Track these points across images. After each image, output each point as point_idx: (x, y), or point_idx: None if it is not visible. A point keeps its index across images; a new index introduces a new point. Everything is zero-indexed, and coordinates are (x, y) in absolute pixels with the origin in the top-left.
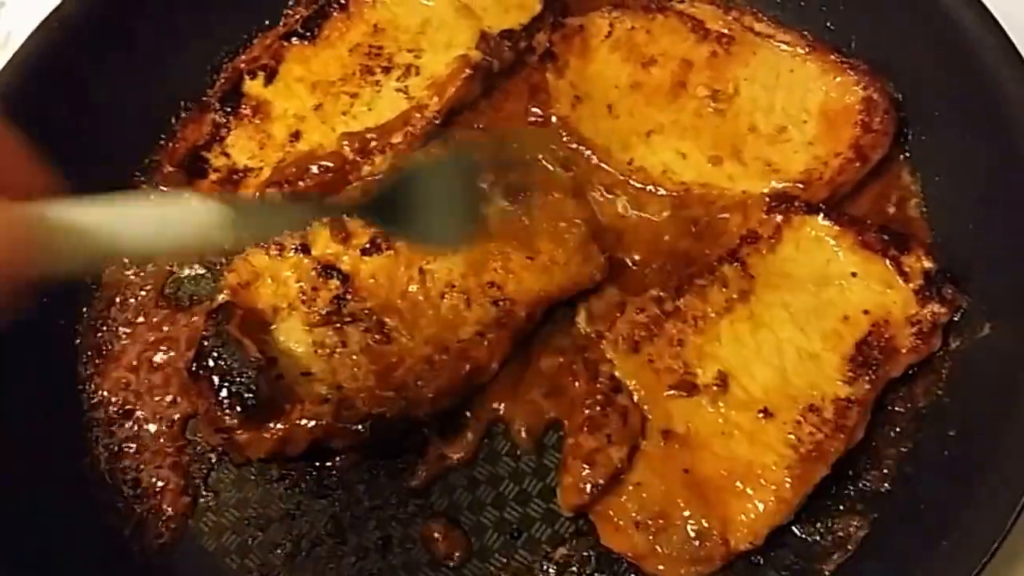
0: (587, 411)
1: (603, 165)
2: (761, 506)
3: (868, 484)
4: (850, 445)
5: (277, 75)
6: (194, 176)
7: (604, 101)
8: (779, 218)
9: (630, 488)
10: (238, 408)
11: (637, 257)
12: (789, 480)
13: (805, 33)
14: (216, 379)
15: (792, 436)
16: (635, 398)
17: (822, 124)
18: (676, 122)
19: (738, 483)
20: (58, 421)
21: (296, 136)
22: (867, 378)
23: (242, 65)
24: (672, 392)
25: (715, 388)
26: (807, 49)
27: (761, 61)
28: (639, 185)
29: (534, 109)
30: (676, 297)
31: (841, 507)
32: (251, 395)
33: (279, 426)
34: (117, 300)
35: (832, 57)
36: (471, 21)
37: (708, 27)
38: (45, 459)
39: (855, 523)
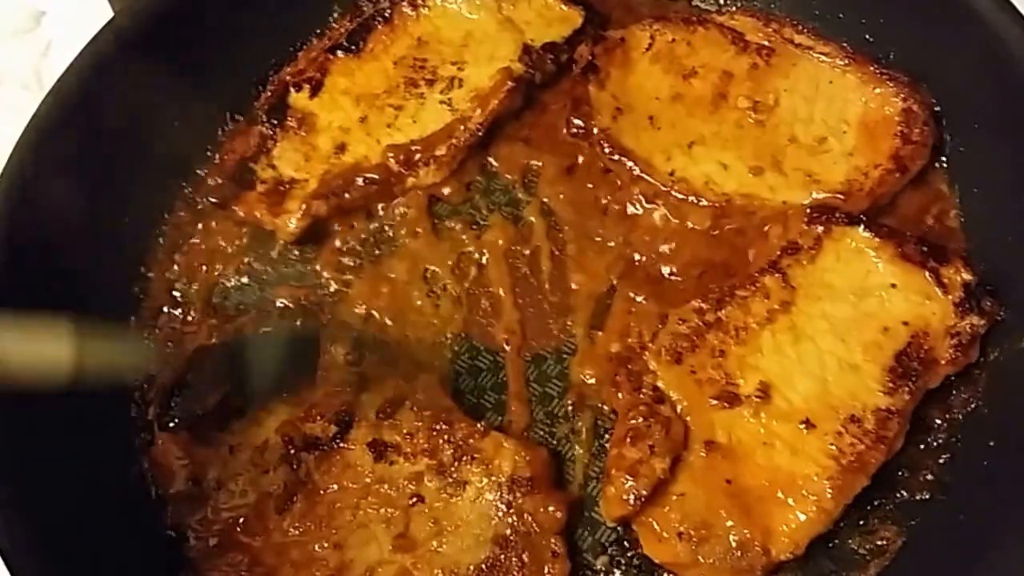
0: (630, 422)
1: (645, 176)
2: (802, 516)
3: (906, 494)
4: (890, 456)
5: (322, 88)
6: (243, 187)
7: (645, 112)
8: (820, 229)
9: (673, 498)
10: None
11: (674, 268)
12: (830, 491)
13: (844, 44)
14: None
15: (833, 447)
16: (678, 409)
17: (862, 135)
18: (717, 133)
19: (780, 493)
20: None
21: (341, 148)
22: (907, 389)
23: (288, 78)
24: (715, 403)
25: (757, 399)
26: (846, 60)
27: (801, 72)
28: (681, 196)
29: (576, 121)
30: (717, 308)
31: (879, 517)
32: None
33: None
34: (165, 309)
35: (871, 68)
36: (513, 34)
37: (748, 39)
38: (96, 469)
39: (893, 533)
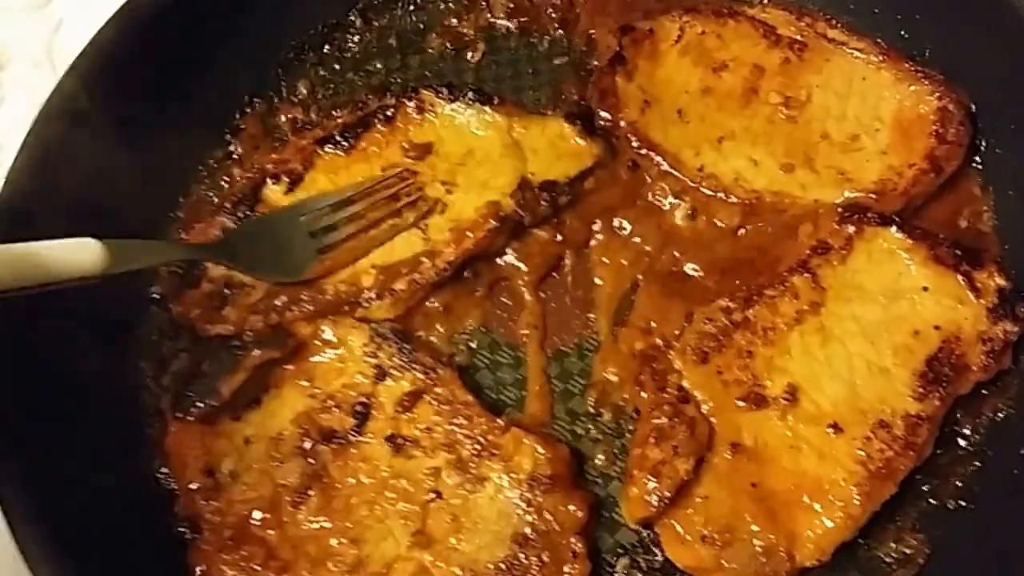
0: (654, 421)
1: (673, 171)
2: (829, 523)
3: (934, 502)
4: (918, 463)
5: (300, 183)
6: (188, 284)
7: (674, 106)
8: (851, 229)
9: (697, 501)
10: None
11: (699, 266)
12: (858, 497)
13: (879, 40)
14: None
15: (862, 452)
16: (703, 409)
17: (895, 133)
18: (748, 129)
19: (806, 498)
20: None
21: None
22: (937, 395)
23: (269, 166)
24: (741, 404)
25: (784, 401)
26: (881, 57)
27: (834, 68)
28: (710, 192)
29: (603, 113)
30: (745, 307)
31: (907, 524)
32: None
33: None
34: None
35: (906, 65)
36: (516, 162)
37: (780, 33)
38: (106, 459)
39: (920, 541)
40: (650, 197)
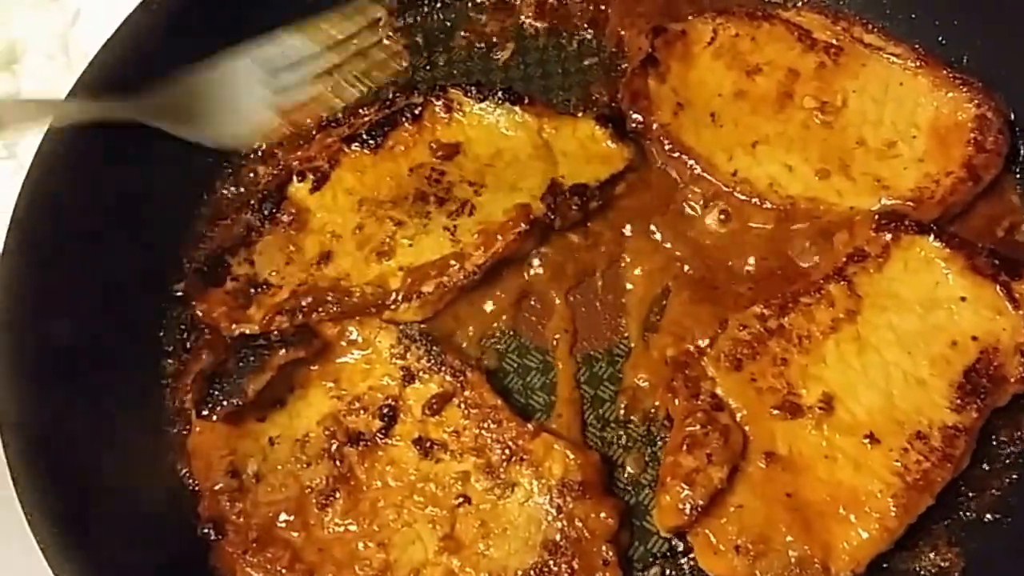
0: (687, 429)
1: (706, 175)
2: (864, 534)
3: (970, 514)
4: (955, 474)
5: (327, 182)
6: (211, 282)
7: (707, 109)
8: (888, 237)
9: (731, 510)
10: None
11: (731, 272)
12: (894, 509)
13: (916, 46)
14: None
15: (899, 464)
16: (737, 417)
17: (932, 140)
18: (782, 133)
19: (841, 509)
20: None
21: (326, 258)
22: (974, 406)
23: (294, 163)
24: (775, 412)
25: (820, 410)
26: (918, 63)
27: (870, 73)
28: (743, 197)
29: (635, 115)
30: (780, 315)
31: (942, 536)
32: None
33: None
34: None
35: (944, 72)
36: (546, 164)
37: (815, 37)
38: (128, 457)
39: (955, 554)
40: (682, 202)
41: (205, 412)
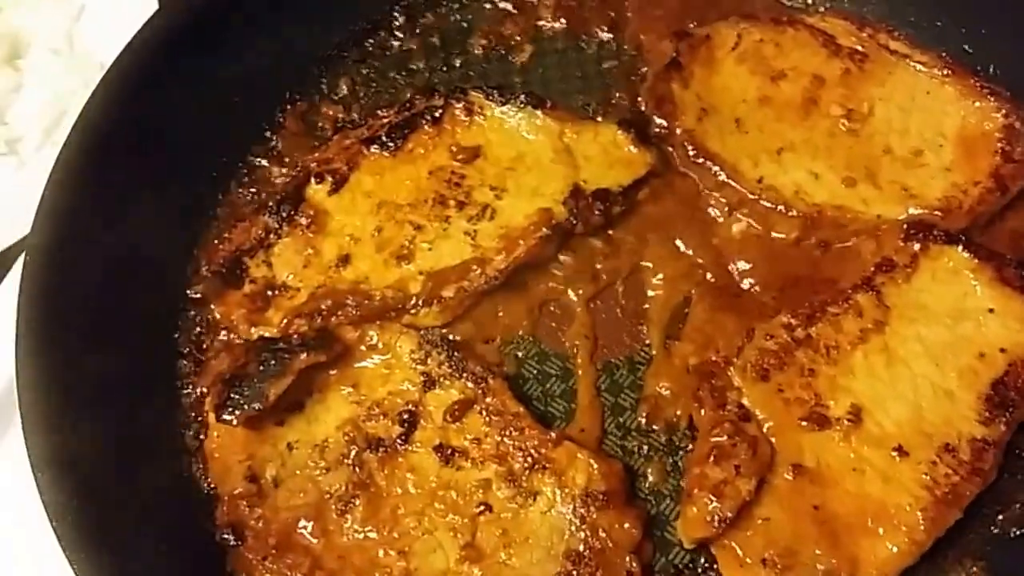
0: (714, 439)
1: (731, 182)
2: (893, 548)
3: (995, 528)
4: (983, 488)
5: (345, 184)
6: (229, 284)
7: (732, 115)
8: (916, 247)
9: (758, 523)
10: None
11: (755, 280)
12: (923, 523)
13: (943, 54)
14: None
15: (927, 477)
16: (764, 428)
17: (959, 150)
18: (808, 140)
19: (870, 522)
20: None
21: (344, 261)
22: (1003, 419)
23: (312, 165)
24: (803, 424)
25: (848, 422)
26: (945, 71)
27: (897, 81)
28: (769, 205)
29: (658, 120)
30: (807, 324)
31: (968, 551)
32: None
33: None
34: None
35: (971, 81)
36: (567, 169)
37: (840, 43)
38: (145, 463)
39: (981, 568)
40: (705, 208)
41: (225, 416)
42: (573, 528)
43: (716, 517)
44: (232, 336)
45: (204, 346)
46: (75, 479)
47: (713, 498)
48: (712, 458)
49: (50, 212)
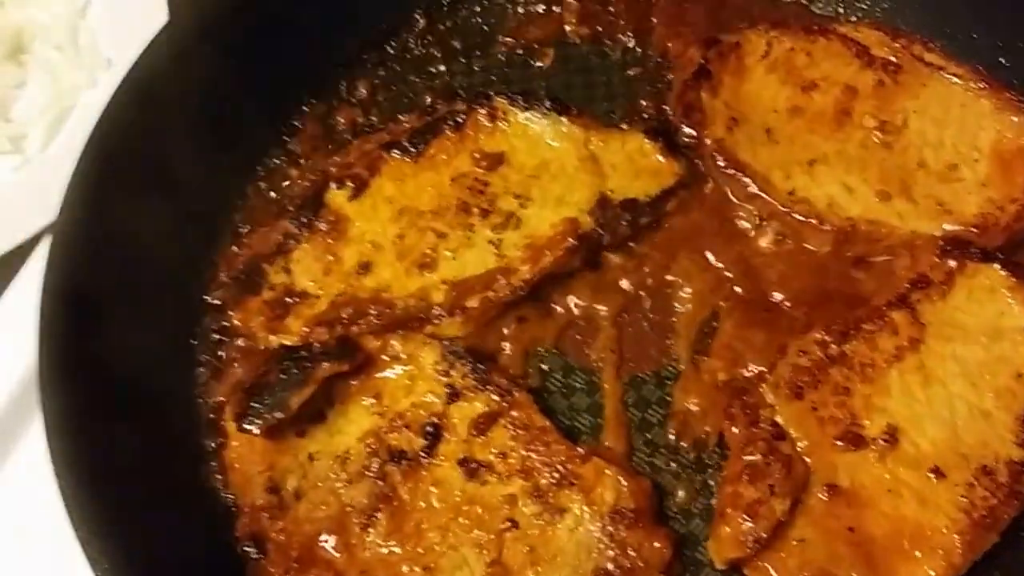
0: (747, 458)
1: (762, 194)
2: (931, 572)
3: None
4: (1020, 511)
5: (366, 189)
6: (248, 290)
7: (762, 125)
8: (952, 264)
9: (792, 544)
10: None
11: (785, 295)
12: (960, 546)
13: (978, 67)
14: None
15: (964, 499)
16: (798, 447)
17: (995, 165)
18: (841, 152)
19: (906, 545)
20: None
21: (366, 268)
22: None
23: (332, 169)
24: (838, 444)
25: (884, 442)
26: (981, 84)
27: (931, 93)
28: (801, 218)
29: (687, 129)
30: (841, 341)
31: (1000, 573)
32: None
33: None
34: (226, 324)
35: (1007, 95)
36: (593, 178)
37: (873, 53)
38: (165, 474)
39: None
40: (734, 220)
41: (247, 425)
42: (602, 546)
43: (750, 537)
44: (250, 344)
45: (222, 354)
46: (97, 487)
47: (747, 518)
48: (746, 477)
49: (68, 218)
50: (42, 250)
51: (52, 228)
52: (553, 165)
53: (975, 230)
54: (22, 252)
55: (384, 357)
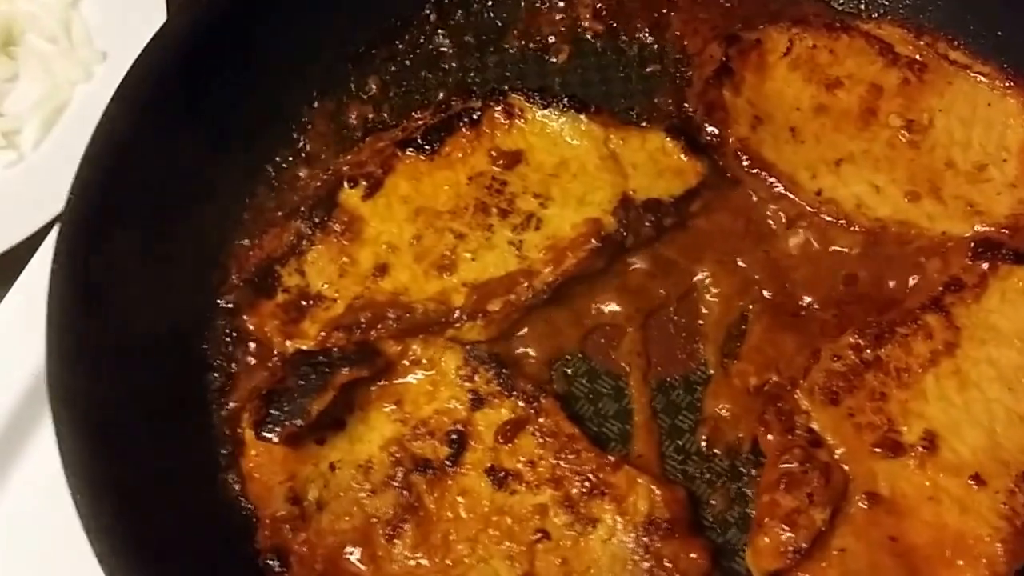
0: (783, 466)
1: (788, 194)
2: None
3: None
4: None
5: (380, 188)
6: (261, 293)
7: (786, 124)
8: (985, 266)
9: (833, 554)
10: None
11: (814, 298)
12: (1003, 555)
13: (1004, 65)
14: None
15: (1006, 506)
16: (836, 454)
17: None
18: (867, 152)
19: (948, 554)
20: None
21: (382, 270)
22: None
23: (345, 168)
24: (876, 451)
25: (923, 449)
26: (1008, 83)
27: (957, 92)
28: (829, 218)
29: (710, 128)
30: (876, 345)
31: None
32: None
33: None
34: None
35: None
36: (614, 177)
37: (898, 51)
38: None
39: None
40: (760, 221)
41: (266, 433)
42: (636, 558)
43: (790, 548)
44: (264, 349)
45: (235, 359)
46: (114, 500)
47: (786, 528)
48: (783, 485)
49: (74, 221)
50: (43, 250)
51: (57, 229)
52: (573, 164)
53: (1007, 231)
54: (22, 252)
55: (405, 362)
